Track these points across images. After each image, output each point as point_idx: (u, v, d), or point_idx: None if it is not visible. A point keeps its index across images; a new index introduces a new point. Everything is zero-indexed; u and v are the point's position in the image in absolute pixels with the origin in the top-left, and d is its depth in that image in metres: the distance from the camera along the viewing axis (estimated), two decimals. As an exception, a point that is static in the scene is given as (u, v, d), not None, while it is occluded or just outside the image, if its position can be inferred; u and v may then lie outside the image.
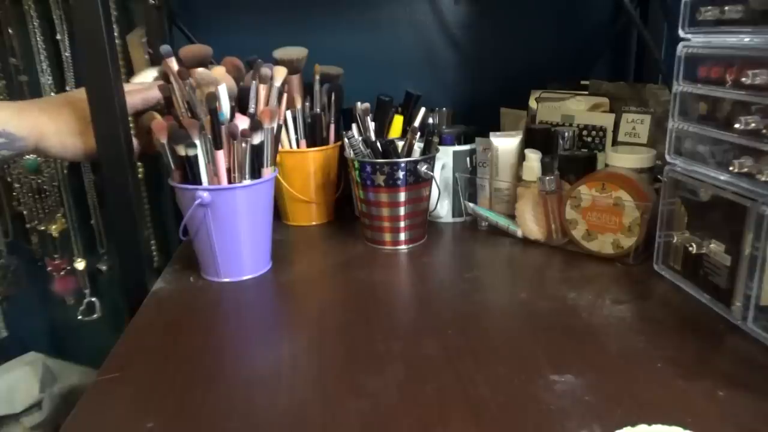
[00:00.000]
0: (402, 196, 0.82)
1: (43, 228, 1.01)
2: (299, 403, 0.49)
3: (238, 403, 0.49)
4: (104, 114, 0.72)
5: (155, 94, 0.73)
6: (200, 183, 0.70)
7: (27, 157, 0.96)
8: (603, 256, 0.77)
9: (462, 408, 0.48)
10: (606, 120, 0.88)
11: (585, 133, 0.90)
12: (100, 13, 0.68)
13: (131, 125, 0.81)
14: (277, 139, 0.75)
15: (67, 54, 0.94)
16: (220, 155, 0.69)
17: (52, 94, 0.95)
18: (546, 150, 0.84)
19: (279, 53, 0.87)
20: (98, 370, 0.55)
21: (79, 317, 1.05)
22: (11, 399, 0.97)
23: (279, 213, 0.96)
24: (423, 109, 0.87)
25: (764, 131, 0.53)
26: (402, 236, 0.84)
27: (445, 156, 0.91)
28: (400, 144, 0.84)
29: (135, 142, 0.74)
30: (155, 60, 0.88)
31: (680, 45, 0.64)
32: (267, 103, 0.74)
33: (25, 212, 0.99)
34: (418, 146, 0.84)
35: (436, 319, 0.63)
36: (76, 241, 1.02)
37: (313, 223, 0.96)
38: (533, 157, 0.83)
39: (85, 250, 1.03)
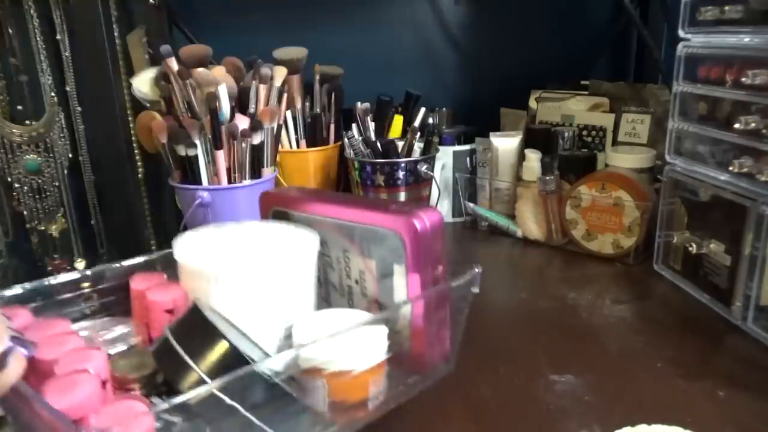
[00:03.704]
0: (402, 196, 0.82)
1: (43, 228, 1.00)
2: (299, 403, 0.49)
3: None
4: (104, 114, 0.72)
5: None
6: (200, 183, 0.70)
7: (28, 156, 0.96)
8: (603, 256, 0.77)
9: (462, 408, 0.48)
10: (606, 120, 0.88)
11: (585, 133, 0.90)
12: (100, 13, 0.68)
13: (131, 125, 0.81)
14: (277, 139, 0.75)
15: (67, 54, 0.94)
16: (220, 155, 0.69)
17: (53, 94, 0.95)
18: (546, 150, 0.84)
19: (279, 53, 0.87)
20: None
21: (79, 317, 1.05)
22: (11, 399, 0.97)
23: (279, 213, 0.96)
24: (423, 109, 0.87)
25: (764, 131, 0.53)
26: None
27: (445, 156, 0.91)
28: (400, 144, 0.84)
29: None
30: (155, 60, 0.87)
31: (680, 45, 0.64)
32: (267, 103, 0.74)
33: (25, 212, 0.99)
34: (418, 146, 0.83)
35: (436, 319, 0.63)
36: (76, 241, 1.02)
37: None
38: (533, 157, 0.83)
39: (85, 250, 1.03)
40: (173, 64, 0.69)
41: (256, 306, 0.42)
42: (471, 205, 0.91)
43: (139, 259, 0.51)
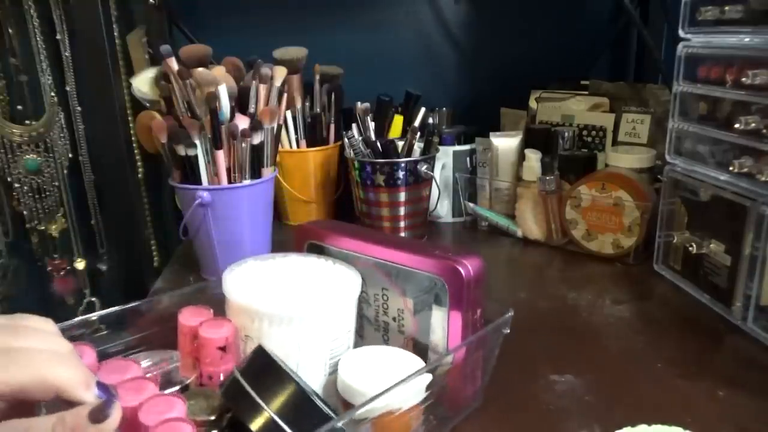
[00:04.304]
0: (402, 196, 0.82)
1: (43, 228, 1.00)
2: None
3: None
4: (104, 114, 0.72)
5: None
6: (200, 183, 0.70)
7: (27, 156, 0.96)
8: (603, 256, 0.77)
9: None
10: (606, 120, 0.88)
11: (585, 133, 0.90)
12: (100, 13, 0.68)
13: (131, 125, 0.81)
14: (277, 139, 0.75)
15: (67, 54, 0.94)
16: (220, 155, 0.69)
17: (53, 94, 0.95)
18: (546, 150, 0.84)
19: (279, 53, 0.87)
20: (98, 370, 0.55)
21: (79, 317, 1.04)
22: (11, 399, 0.97)
23: (279, 213, 0.96)
24: (423, 109, 0.87)
25: (764, 131, 0.53)
26: (402, 236, 0.84)
27: (445, 156, 0.91)
28: (400, 144, 0.84)
29: None
30: (155, 60, 0.87)
31: (680, 45, 0.64)
32: (267, 103, 0.74)
33: (25, 212, 0.99)
34: (418, 146, 0.83)
35: (436, 319, 0.63)
36: (76, 241, 1.02)
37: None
38: (533, 157, 0.83)
39: (85, 250, 1.03)
40: (173, 64, 0.69)
41: (305, 345, 0.44)
42: (471, 205, 0.91)
43: (176, 293, 0.51)
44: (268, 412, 0.35)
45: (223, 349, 0.43)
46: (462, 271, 0.44)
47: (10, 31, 0.94)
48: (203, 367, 0.43)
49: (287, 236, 0.91)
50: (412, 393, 0.40)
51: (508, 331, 0.47)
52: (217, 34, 0.92)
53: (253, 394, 0.36)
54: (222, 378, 0.43)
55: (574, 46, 1.11)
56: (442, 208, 0.94)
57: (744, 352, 0.55)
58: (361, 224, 0.87)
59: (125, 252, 0.78)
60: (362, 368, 0.43)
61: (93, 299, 1.05)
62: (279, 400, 0.36)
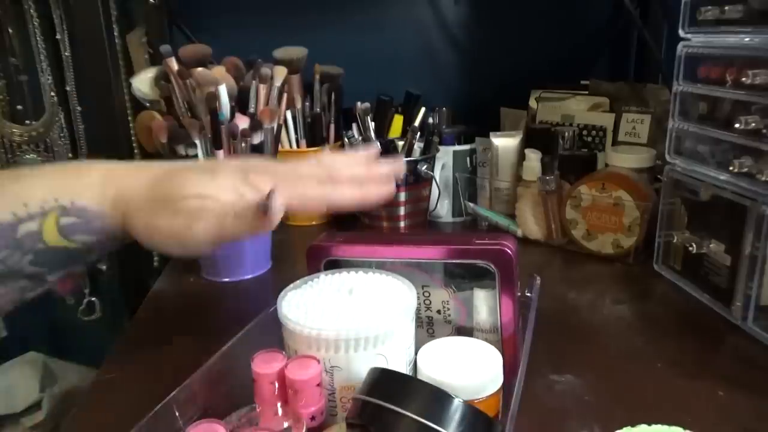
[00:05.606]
0: (402, 196, 0.82)
1: (43, 228, 1.00)
2: (299, 403, 0.49)
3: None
4: (104, 114, 0.72)
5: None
6: (200, 183, 0.70)
7: (27, 156, 0.96)
8: (603, 256, 0.77)
9: (462, 408, 0.48)
10: (606, 120, 0.88)
11: (585, 133, 0.90)
12: (100, 13, 0.68)
13: (131, 125, 0.81)
14: (277, 139, 0.75)
15: (67, 54, 0.94)
16: (220, 155, 0.69)
17: (52, 93, 0.95)
18: (546, 150, 0.84)
19: (279, 53, 0.87)
20: (98, 370, 0.55)
21: (80, 317, 1.04)
22: (11, 399, 0.97)
23: (279, 213, 0.95)
24: (423, 109, 0.87)
25: (764, 131, 0.53)
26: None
27: (445, 156, 0.91)
28: (400, 144, 0.84)
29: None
30: (155, 60, 0.88)
31: (680, 45, 0.64)
32: (267, 103, 0.74)
33: (25, 212, 0.99)
34: (418, 146, 0.84)
35: (436, 319, 0.63)
36: (76, 241, 1.02)
37: (313, 222, 0.96)
38: (533, 157, 0.83)
39: (85, 250, 1.03)
40: (173, 64, 0.69)
41: (390, 358, 0.44)
42: (471, 204, 0.91)
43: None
44: (416, 417, 0.34)
45: (319, 385, 0.41)
46: (510, 253, 0.46)
47: (10, 31, 0.94)
48: (302, 409, 0.41)
49: (287, 236, 0.91)
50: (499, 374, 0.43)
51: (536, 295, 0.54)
52: (217, 34, 0.92)
53: (392, 407, 0.35)
54: (322, 415, 0.42)
55: (574, 46, 1.11)
56: (442, 208, 0.94)
57: (744, 352, 0.55)
58: (361, 224, 0.87)
59: (125, 252, 0.78)
60: (442, 363, 0.43)
61: (93, 299, 1.05)
62: (418, 404, 0.35)
